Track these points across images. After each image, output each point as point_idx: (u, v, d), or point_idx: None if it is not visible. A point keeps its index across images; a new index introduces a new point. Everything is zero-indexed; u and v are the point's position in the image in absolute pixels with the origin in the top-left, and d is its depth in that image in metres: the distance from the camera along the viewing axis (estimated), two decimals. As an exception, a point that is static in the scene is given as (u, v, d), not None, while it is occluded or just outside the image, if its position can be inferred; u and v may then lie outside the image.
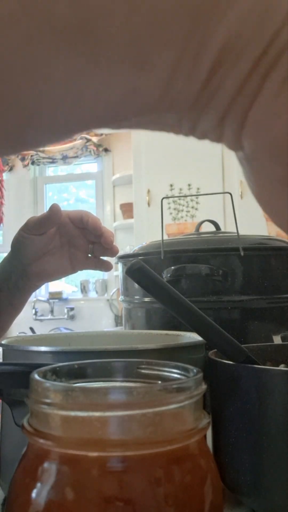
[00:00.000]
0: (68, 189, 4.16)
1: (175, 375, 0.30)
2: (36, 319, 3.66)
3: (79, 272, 0.78)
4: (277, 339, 0.63)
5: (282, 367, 0.44)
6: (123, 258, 0.77)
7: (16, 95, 0.17)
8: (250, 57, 0.17)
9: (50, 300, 3.70)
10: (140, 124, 0.20)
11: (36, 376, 0.27)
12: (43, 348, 0.42)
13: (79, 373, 0.31)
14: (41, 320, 3.68)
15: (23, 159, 3.84)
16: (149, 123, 0.20)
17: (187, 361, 0.31)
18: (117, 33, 0.16)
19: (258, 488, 0.36)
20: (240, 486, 0.37)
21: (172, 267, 0.67)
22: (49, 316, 3.71)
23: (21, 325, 3.21)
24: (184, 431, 0.25)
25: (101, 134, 3.72)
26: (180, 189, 3.03)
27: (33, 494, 0.24)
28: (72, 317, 3.70)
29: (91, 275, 3.75)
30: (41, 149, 3.42)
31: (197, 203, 3.01)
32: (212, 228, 0.80)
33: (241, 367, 0.38)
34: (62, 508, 0.23)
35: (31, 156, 3.83)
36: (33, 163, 3.86)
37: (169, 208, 3.03)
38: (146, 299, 0.71)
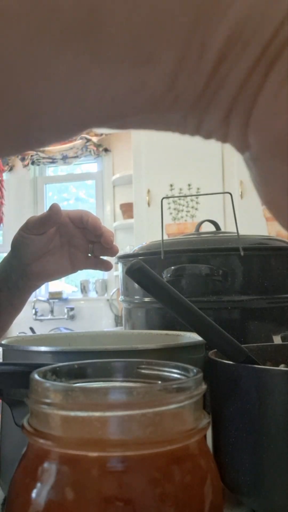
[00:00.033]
0: (68, 189, 4.16)
1: (175, 375, 0.30)
2: (36, 319, 3.66)
3: (79, 272, 0.77)
4: (277, 339, 0.63)
5: (282, 367, 0.44)
6: (123, 258, 0.77)
7: (17, 95, 0.17)
8: (252, 54, 0.17)
9: (50, 300, 3.70)
10: (145, 123, 0.20)
11: (36, 376, 0.27)
12: (43, 348, 0.42)
13: (79, 373, 0.31)
14: (41, 320, 3.68)
15: (23, 159, 3.84)
16: (154, 123, 0.20)
17: (187, 361, 0.31)
18: (119, 30, 0.16)
19: (258, 488, 0.36)
20: (240, 486, 0.37)
21: (172, 267, 0.67)
22: (49, 316, 3.71)
23: (21, 325, 3.21)
24: (184, 431, 0.25)
25: (101, 134, 3.71)
26: (180, 189, 3.03)
27: (33, 494, 0.24)
28: (72, 317, 3.70)
29: (91, 275, 3.74)
30: (41, 149, 3.41)
31: (197, 203, 3.01)
32: (212, 228, 0.80)
33: (241, 367, 0.38)
34: (62, 508, 0.23)
35: (31, 156, 3.82)
36: (33, 163, 3.86)
37: (169, 208, 3.03)
38: (146, 299, 0.71)
